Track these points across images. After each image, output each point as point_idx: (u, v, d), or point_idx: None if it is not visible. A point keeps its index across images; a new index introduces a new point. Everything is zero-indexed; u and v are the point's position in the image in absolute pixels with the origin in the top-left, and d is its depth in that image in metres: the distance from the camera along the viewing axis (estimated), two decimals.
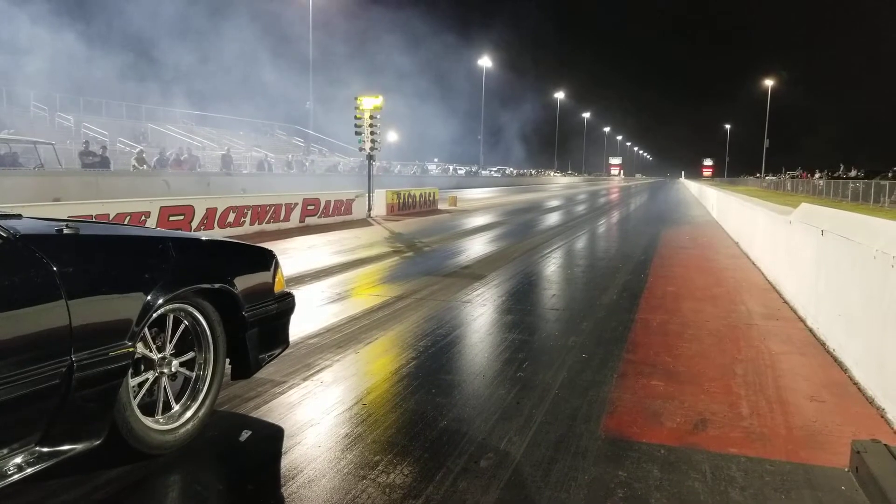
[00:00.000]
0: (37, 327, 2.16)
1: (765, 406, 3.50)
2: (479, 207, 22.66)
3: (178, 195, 12.98)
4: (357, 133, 17.35)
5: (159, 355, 2.80)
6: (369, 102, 17.02)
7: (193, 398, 2.97)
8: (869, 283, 3.70)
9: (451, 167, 56.98)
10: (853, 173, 39.73)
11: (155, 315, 2.64)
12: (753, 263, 8.81)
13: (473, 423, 3.20)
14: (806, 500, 2.53)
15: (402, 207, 19.18)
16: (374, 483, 2.59)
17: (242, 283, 3.13)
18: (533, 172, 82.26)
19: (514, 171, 75.33)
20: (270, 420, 3.23)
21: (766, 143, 67.00)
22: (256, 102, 42.44)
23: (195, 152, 25.04)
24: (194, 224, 11.01)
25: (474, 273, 7.90)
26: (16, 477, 2.11)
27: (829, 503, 2.52)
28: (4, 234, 2.22)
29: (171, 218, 10.50)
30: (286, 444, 2.96)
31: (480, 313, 5.72)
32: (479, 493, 2.53)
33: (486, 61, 62.86)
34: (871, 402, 3.52)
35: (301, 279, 7.24)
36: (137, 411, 2.63)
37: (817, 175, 46.37)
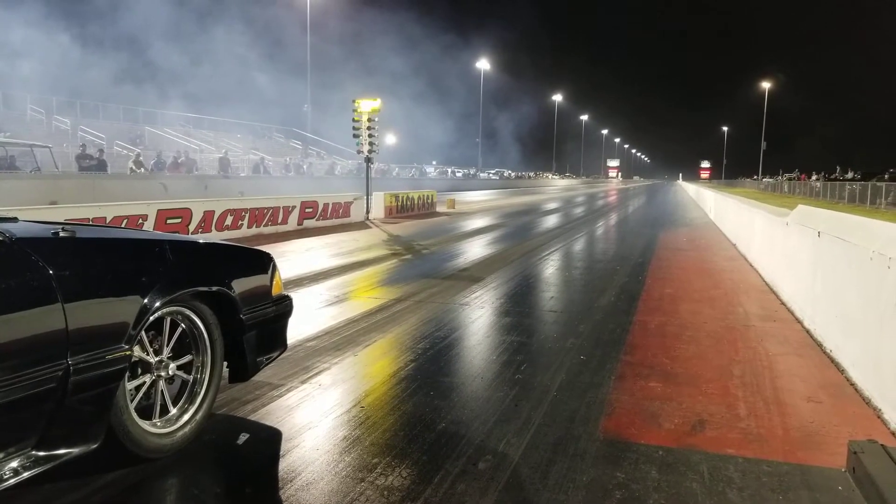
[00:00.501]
0: (33, 331, 2.15)
1: (762, 407, 3.51)
2: (477, 210, 22.67)
3: (176, 198, 12.97)
4: (355, 136, 17.36)
5: (156, 358, 2.79)
6: (367, 105, 17.03)
7: (191, 401, 2.96)
8: (865, 284, 3.71)
9: (449, 170, 57.02)
10: (850, 175, 39.84)
11: (152, 318, 2.64)
12: (751, 265, 8.83)
13: (472, 426, 3.20)
14: (803, 500, 2.53)
15: (401, 210, 19.18)
16: (372, 486, 2.59)
17: (240, 285, 3.12)
18: (531, 175, 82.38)
19: (513, 174, 75.47)
20: (268, 423, 3.23)
21: (764, 145, 67.33)
22: (254, 105, 42.49)
23: (192, 155, 24.99)
24: (192, 227, 10.99)
25: (473, 275, 7.90)
26: (12, 481, 2.10)
27: None
28: (0, 238, 2.22)
29: (169, 221, 10.49)
30: (284, 446, 2.95)
31: (479, 315, 5.72)
32: (478, 495, 2.53)
33: (483, 64, 62.99)
34: (867, 402, 3.52)
35: (299, 282, 7.23)
36: (134, 415, 2.62)
37: (814, 177, 46.48)
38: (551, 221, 18.25)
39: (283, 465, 2.78)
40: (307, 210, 14.50)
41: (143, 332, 2.65)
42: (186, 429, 2.88)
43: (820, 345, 4.66)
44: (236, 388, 3.58)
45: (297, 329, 4.77)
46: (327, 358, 4.31)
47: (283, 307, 3.48)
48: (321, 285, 7.10)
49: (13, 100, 28.79)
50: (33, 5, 31.14)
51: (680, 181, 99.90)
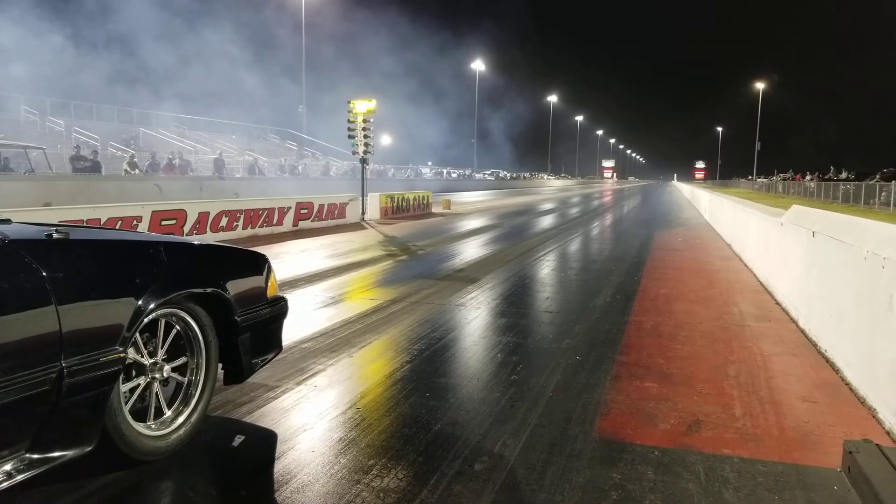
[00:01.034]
0: (26, 333, 2.14)
1: (757, 407, 3.51)
2: (472, 211, 22.68)
3: (170, 199, 12.92)
4: (350, 137, 17.35)
5: (151, 360, 2.78)
6: (362, 106, 17.03)
7: (186, 403, 2.95)
8: (860, 283, 3.72)
9: (444, 170, 57.03)
10: (843, 175, 40.02)
11: (146, 320, 2.63)
12: (746, 265, 8.85)
13: (468, 427, 3.19)
14: (798, 500, 2.54)
15: (396, 211, 19.17)
16: (368, 487, 2.58)
17: (235, 287, 3.11)
18: (526, 176, 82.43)
19: (508, 175, 75.47)
20: (264, 425, 3.22)
21: (758, 145, 67.49)
22: (249, 106, 42.43)
23: (187, 156, 24.94)
24: (186, 228, 10.96)
25: (468, 276, 7.90)
26: (5, 484, 2.09)
27: (821, 503, 2.53)
28: None
29: (163, 222, 10.45)
30: (280, 448, 2.94)
31: (475, 316, 5.72)
32: (474, 496, 2.52)
33: (478, 65, 62.98)
34: (862, 402, 3.53)
35: (294, 283, 7.22)
36: (129, 417, 2.61)
37: (808, 177, 46.68)
38: (547, 222, 18.27)
39: (279, 467, 2.77)
40: (302, 211, 14.48)
41: (137, 334, 2.63)
42: (181, 431, 2.87)
43: (815, 344, 4.68)
44: (231, 390, 3.57)
45: (293, 330, 4.76)
46: (323, 359, 4.30)
47: (279, 308, 3.47)
48: (316, 286, 7.09)
49: (7, 101, 28.64)
50: (26, 6, 31.02)
51: (675, 181, 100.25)
